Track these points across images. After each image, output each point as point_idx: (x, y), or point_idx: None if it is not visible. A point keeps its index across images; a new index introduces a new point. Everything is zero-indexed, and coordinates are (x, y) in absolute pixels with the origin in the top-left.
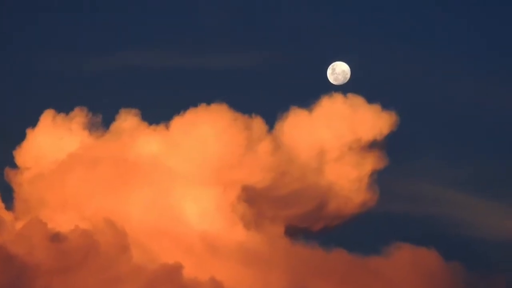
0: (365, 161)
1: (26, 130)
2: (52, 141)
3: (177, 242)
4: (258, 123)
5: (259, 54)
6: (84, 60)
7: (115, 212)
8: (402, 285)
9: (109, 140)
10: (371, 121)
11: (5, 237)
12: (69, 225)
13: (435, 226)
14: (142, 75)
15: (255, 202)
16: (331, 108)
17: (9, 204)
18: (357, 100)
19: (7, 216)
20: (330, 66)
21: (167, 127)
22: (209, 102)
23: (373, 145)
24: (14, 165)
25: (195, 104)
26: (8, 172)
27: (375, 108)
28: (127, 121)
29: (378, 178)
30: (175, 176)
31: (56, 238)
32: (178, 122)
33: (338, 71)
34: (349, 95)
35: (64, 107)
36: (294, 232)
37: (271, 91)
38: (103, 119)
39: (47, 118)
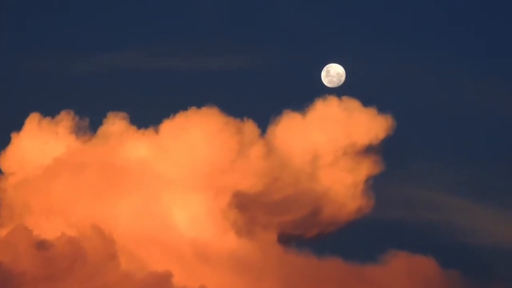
0: (361, 166)
1: (11, 134)
2: (38, 145)
3: (166, 249)
4: (250, 127)
5: (251, 56)
6: (71, 61)
7: (102, 219)
8: None
9: (96, 144)
10: (367, 125)
11: None
12: (55, 232)
13: (432, 233)
14: (130, 77)
15: (247, 208)
16: (325, 111)
17: None
18: (352, 103)
19: None
20: (325, 68)
21: (156, 131)
22: (199, 105)
23: (368, 150)
24: None
25: (185, 108)
26: None
27: (371, 112)
28: (115, 125)
29: (374, 184)
30: (165, 182)
31: (41, 245)
32: (168, 126)
33: (333, 73)
34: (344, 98)
35: (50, 111)
36: (287, 239)
37: (264, 94)
38: (90, 122)
39: (32, 122)
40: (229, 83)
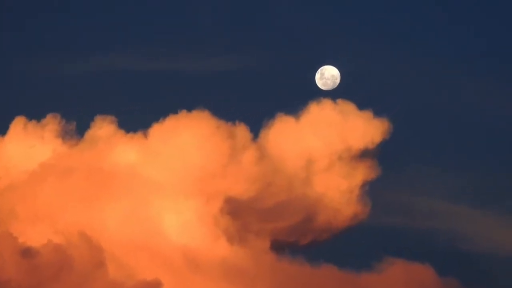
0: (356, 171)
1: None
2: (23, 150)
3: (155, 257)
4: (242, 131)
5: (243, 57)
6: (57, 63)
7: (90, 225)
8: None
9: (83, 149)
10: (362, 128)
11: None
12: (41, 239)
13: (430, 240)
14: (118, 80)
15: (239, 214)
16: (320, 115)
17: None
18: (348, 106)
19: None
20: (319, 71)
21: (145, 135)
22: (190, 108)
23: (364, 154)
24: None
25: (175, 111)
26: None
27: (367, 115)
28: (103, 128)
29: (370, 189)
30: (154, 187)
31: (27, 253)
32: (157, 130)
33: (327, 75)
34: (339, 101)
35: (35, 114)
36: (280, 246)
37: (256, 97)
38: (77, 126)
39: (18, 126)
40: (221, 85)
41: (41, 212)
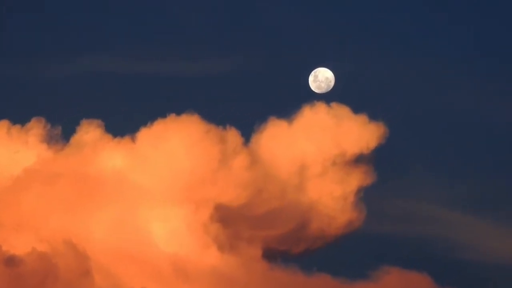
0: (351, 177)
1: None
2: (7, 155)
3: (143, 266)
4: (233, 135)
5: (234, 59)
6: (42, 65)
7: (75, 233)
8: None
9: (69, 154)
10: (357, 133)
11: None
12: (25, 247)
13: (427, 248)
14: (105, 83)
15: (230, 222)
16: (313, 119)
17: None
18: (342, 110)
19: None
20: (312, 73)
21: (133, 139)
22: (179, 112)
23: (359, 160)
24: None
25: (163, 115)
26: None
27: (362, 119)
28: (89, 133)
29: (365, 196)
30: (142, 194)
31: (11, 261)
32: (145, 134)
33: (321, 78)
34: (333, 104)
35: (19, 118)
36: (273, 255)
37: (247, 100)
38: (62, 130)
39: (1, 130)
40: (211, 88)
41: (25, 219)
